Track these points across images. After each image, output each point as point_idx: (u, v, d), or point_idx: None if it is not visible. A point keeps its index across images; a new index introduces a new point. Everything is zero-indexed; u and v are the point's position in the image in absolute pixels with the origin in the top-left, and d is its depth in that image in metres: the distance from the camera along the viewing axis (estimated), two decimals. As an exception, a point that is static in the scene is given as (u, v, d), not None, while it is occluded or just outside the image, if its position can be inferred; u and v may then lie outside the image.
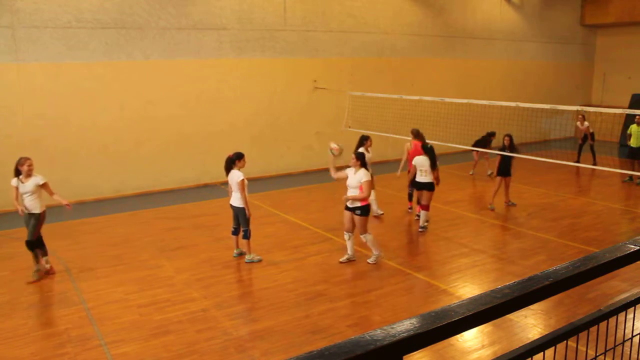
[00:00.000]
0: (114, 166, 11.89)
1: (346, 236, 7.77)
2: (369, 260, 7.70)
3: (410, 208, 10.36)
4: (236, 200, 7.65)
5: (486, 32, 18.02)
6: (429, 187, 9.15)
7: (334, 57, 14.72)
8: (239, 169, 7.60)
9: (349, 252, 7.78)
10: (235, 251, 7.98)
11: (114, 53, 11.54)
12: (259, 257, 7.84)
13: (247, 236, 7.69)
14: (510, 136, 10.32)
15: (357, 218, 7.45)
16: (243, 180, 7.45)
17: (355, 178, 7.43)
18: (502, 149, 10.37)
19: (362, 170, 7.44)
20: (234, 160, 7.62)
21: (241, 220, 7.70)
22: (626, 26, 20.14)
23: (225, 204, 11.15)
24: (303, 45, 14.11)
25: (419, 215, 9.53)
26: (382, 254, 7.84)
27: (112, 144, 11.81)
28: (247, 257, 7.78)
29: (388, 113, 14.34)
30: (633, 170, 12.58)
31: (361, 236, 7.58)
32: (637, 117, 12.64)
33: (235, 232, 7.93)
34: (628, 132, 13.07)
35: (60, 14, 10.87)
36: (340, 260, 7.76)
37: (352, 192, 7.42)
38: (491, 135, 13.19)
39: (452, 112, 13.69)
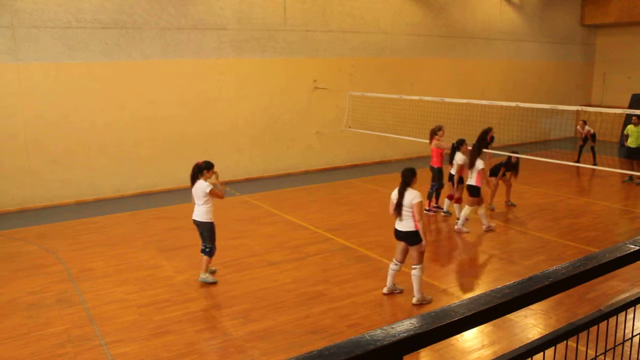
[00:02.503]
0: (114, 166, 11.89)
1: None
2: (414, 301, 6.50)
3: (442, 210, 10.37)
4: (198, 214, 6.94)
5: (486, 32, 18.02)
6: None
7: (334, 57, 14.72)
8: (205, 180, 6.90)
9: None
10: (211, 268, 7.32)
11: (113, 53, 11.54)
12: (213, 278, 7.09)
13: (210, 254, 6.99)
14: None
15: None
16: (212, 190, 6.82)
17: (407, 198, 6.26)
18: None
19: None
20: (202, 170, 6.90)
21: (205, 235, 6.99)
22: (626, 26, 20.14)
23: (225, 204, 11.16)
24: (303, 45, 14.11)
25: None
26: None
27: (112, 144, 11.81)
28: (202, 276, 7.03)
29: (388, 113, 14.35)
30: (632, 170, 12.58)
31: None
32: (634, 117, 12.63)
33: (204, 250, 7.11)
34: (625, 132, 13.06)
35: (60, 14, 10.87)
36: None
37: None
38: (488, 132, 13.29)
39: (452, 112, 13.68)
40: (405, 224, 6.21)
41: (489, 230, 9.16)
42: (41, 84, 10.91)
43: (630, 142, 12.69)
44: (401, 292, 6.71)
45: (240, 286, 7.02)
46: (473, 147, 9.07)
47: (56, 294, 6.80)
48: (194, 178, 6.93)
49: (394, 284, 6.71)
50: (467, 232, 9.12)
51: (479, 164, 8.82)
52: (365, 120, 14.24)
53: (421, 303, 6.37)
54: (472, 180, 8.92)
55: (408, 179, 6.25)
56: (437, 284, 7.02)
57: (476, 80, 17.83)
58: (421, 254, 6.33)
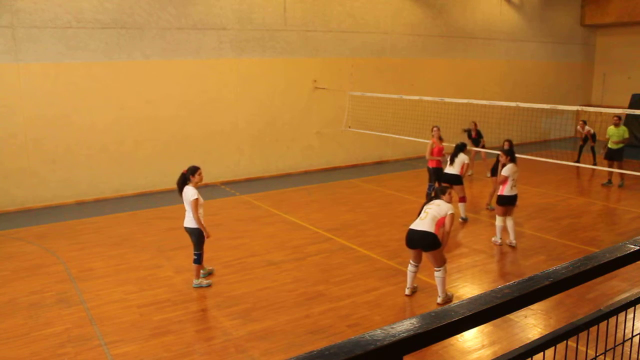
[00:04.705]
0: (114, 166, 11.89)
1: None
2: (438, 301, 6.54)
3: None
4: (187, 220, 6.85)
5: (486, 32, 18.03)
6: (455, 180, 9.53)
7: (334, 57, 14.72)
8: (194, 185, 6.81)
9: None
10: (202, 271, 7.18)
11: (114, 53, 11.54)
12: (207, 281, 7.05)
13: (198, 261, 6.89)
14: (510, 141, 10.26)
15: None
16: (196, 199, 6.67)
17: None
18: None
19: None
20: (187, 176, 6.83)
21: (193, 242, 6.88)
22: (626, 26, 20.14)
23: (226, 204, 11.19)
24: (303, 45, 14.11)
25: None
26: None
27: (112, 144, 11.81)
28: (195, 282, 6.96)
29: (388, 113, 14.36)
30: (611, 172, 12.48)
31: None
32: (615, 118, 12.50)
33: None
34: (607, 134, 12.82)
35: (60, 14, 10.87)
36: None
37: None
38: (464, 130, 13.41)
39: (452, 112, 13.69)
40: (425, 225, 6.20)
41: (498, 243, 8.62)
42: (41, 84, 10.91)
43: (610, 144, 12.44)
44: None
45: (240, 286, 7.02)
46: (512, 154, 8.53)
47: (56, 294, 6.80)
48: (182, 186, 6.83)
49: (415, 285, 6.76)
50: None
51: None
52: (365, 120, 14.25)
53: (445, 302, 6.37)
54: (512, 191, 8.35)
55: (442, 192, 6.55)
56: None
57: (476, 80, 17.83)
58: (442, 256, 6.31)
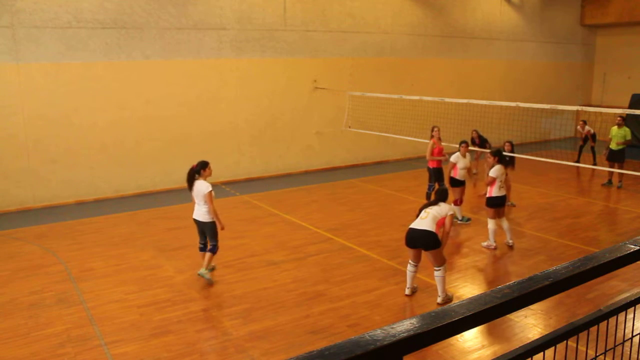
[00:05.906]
0: (114, 166, 11.89)
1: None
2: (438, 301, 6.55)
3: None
4: (201, 214, 6.90)
5: (486, 32, 18.02)
6: (451, 183, 9.61)
7: (334, 57, 14.72)
8: (205, 179, 6.90)
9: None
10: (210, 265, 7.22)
11: (114, 53, 11.54)
12: (210, 278, 7.03)
13: (214, 251, 6.99)
14: (511, 143, 10.22)
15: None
16: (210, 192, 6.76)
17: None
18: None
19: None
20: (198, 171, 6.89)
21: (209, 234, 6.98)
22: (626, 26, 20.14)
23: (225, 204, 11.17)
24: (303, 45, 14.11)
25: None
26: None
27: (112, 144, 11.81)
28: (201, 271, 6.98)
29: (388, 113, 14.35)
30: (612, 173, 12.45)
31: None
32: (618, 118, 12.48)
33: (204, 249, 7.15)
34: (610, 135, 12.78)
35: (60, 14, 10.87)
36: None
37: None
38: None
39: (452, 112, 13.68)
40: (426, 224, 6.24)
41: (492, 247, 8.42)
42: (41, 84, 10.91)
43: (612, 144, 12.38)
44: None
45: (240, 286, 7.02)
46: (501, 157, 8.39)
47: (56, 294, 6.80)
48: (191, 181, 6.89)
49: (415, 285, 6.79)
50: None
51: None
52: (365, 120, 14.25)
53: (445, 302, 6.37)
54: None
55: (443, 197, 6.67)
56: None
57: (476, 80, 17.83)
58: (442, 256, 6.33)
